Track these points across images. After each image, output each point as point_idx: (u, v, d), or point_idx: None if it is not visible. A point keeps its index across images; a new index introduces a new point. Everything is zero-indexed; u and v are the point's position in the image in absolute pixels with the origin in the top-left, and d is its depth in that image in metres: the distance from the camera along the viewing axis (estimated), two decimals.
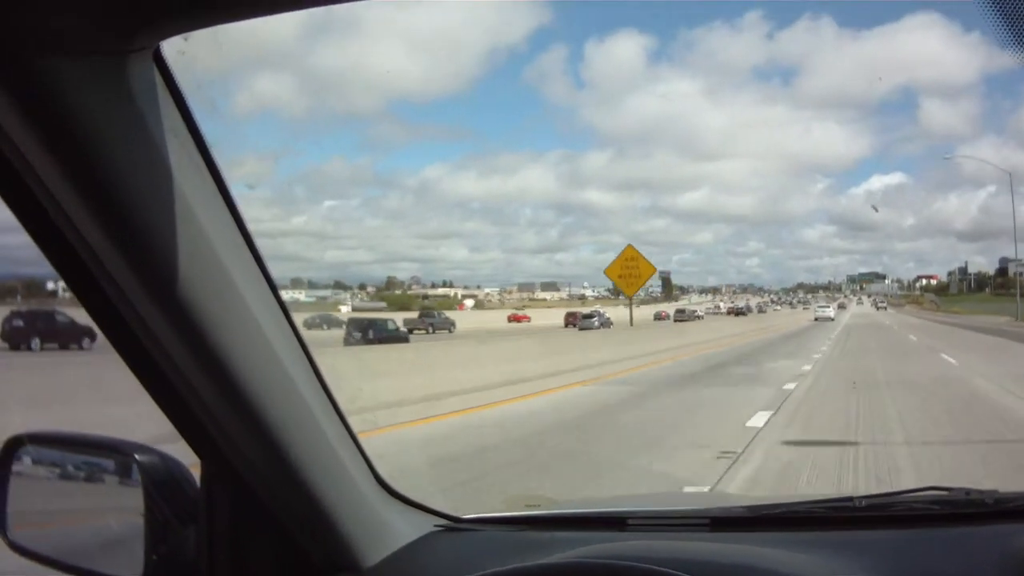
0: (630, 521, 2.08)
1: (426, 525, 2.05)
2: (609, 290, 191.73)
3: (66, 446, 1.97)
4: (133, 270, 1.34)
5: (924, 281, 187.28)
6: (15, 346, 34.11)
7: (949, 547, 1.84)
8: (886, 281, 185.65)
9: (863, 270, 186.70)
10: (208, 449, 1.67)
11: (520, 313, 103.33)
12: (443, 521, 2.10)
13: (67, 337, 34.98)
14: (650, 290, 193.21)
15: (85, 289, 1.44)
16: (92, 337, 35.15)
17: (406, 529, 1.98)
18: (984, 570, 1.71)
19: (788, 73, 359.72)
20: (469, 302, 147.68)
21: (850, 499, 2.03)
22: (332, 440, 1.74)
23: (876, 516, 2.00)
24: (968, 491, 2.03)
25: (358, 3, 1.28)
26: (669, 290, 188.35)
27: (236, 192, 1.46)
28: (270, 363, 1.55)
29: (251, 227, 1.50)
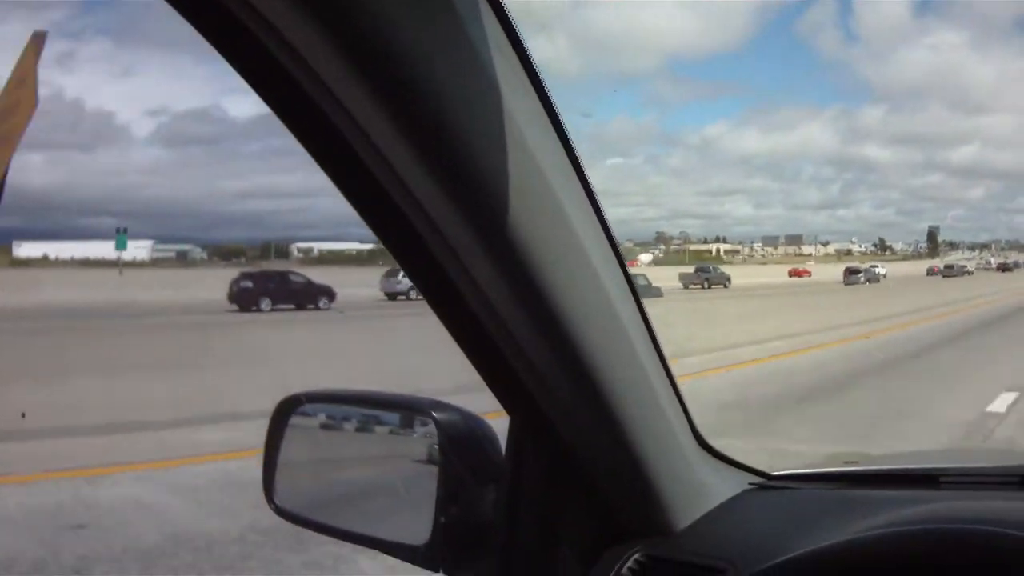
0: (942, 479, 2.01)
1: (740, 483, 2.02)
2: (875, 244, 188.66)
3: (349, 404, 1.93)
4: (450, 203, 1.27)
5: None
6: (245, 307, 35.22)
7: None
8: None
9: None
10: (521, 402, 1.62)
11: (801, 268, 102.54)
12: (756, 479, 2.06)
13: (302, 297, 36.52)
14: (919, 245, 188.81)
15: (402, 245, 1.40)
16: (331, 296, 37.27)
17: (720, 488, 1.94)
18: None
19: None
20: (645, 256, 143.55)
21: None
22: (658, 393, 1.68)
23: None
24: None
25: None
26: (935, 245, 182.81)
27: (570, 120, 1.36)
28: (603, 310, 1.50)
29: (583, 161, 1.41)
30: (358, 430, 1.88)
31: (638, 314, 1.60)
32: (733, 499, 1.94)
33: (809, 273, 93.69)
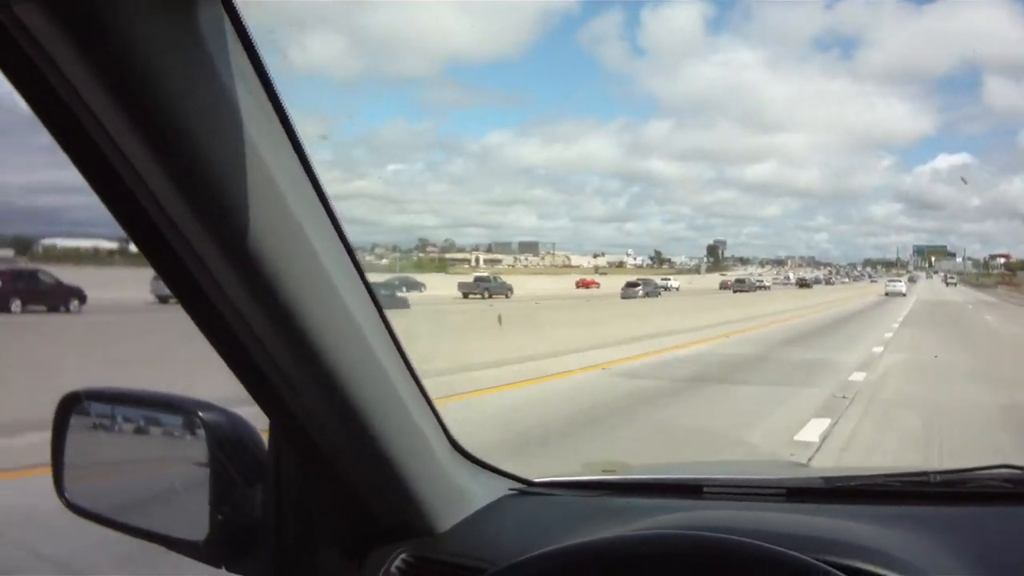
0: (706, 489, 2.15)
1: (500, 488, 2.14)
2: (651, 258, 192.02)
3: (126, 403, 2.02)
4: (200, 221, 1.37)
5: (1000, 259, 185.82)
6: None
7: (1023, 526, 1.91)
8: (957, 259, 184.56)
9: (922, 254, 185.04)
10: (277, 408, 1.73)
11: (589, 279, 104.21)
12: (517, 484, 2.19)
13: (53, 299, 35.27)
14: (695, 261, 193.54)
15: (149, 243, 1.47)
16: (82, 299, 35.69)
17: (479, 492, 2.07)
18: None
19: (849, 45, 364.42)
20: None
21: (925, 474, 2.09)
22: (406, 400, 1.81)
23: (951, 492, 2.06)
24: None
25: None
26: (716, 260, 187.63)
27: (308, 143, 1.49)
28: (343, 320, 1.61)
29: (323, 178, 1.53)
30: (135, 427, 1.98)
31: (381, 323, 1.73)
32: (494, 503, 2.08)
33: (598, 284, 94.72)
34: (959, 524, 1.89)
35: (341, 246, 1.61)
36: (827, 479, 2.19)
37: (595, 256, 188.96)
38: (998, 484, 2.06)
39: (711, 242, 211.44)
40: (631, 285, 70.40)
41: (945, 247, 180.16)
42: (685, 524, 1.85)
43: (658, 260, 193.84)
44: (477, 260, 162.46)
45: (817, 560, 1.49)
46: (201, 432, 1.81)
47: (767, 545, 1.53)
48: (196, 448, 1.81)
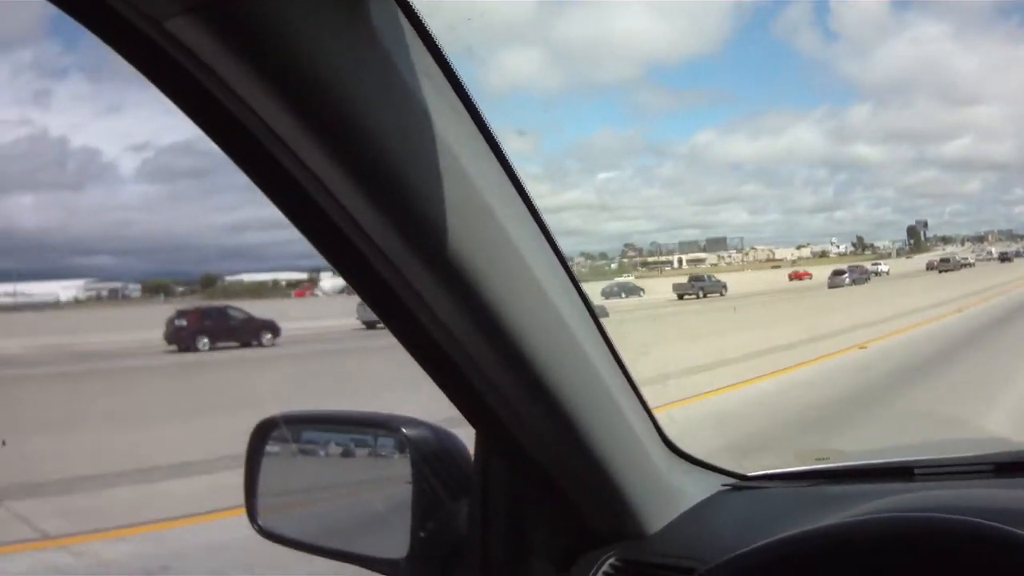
0: (916, 471, 2.12)
1: (713, 485, 2.12)
2: (854, 244, 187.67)
3: (325, 424, 2.06)
4: (397, 231, 1.34)
5: None
6: (183, 348, 34.37)
7: None
8: None
9: None
10: (485, 419, 1.72)
11: (801, 271, 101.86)
12: (730, 480, 2.17)
13: (244, 334, 35.82)
14: (897, 244, 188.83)
15: (347, 264, 1.45)
16: (275, 332, 36.32)
17: (692, 490, 2.04)
18: None
19: None
20: None
21: None
22: (620, 402, 1.78)
23: None
24: None
25: None
26: (918, 241, 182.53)
27: (505, 140, 1.44)
28: (554, 325, 1.58)
29: (531, 191, 1.50)
30: (335, 449, 2.00)
31: (593, 326, 1.70)
32: (707, 500, 2.05)
33: (810, 276, 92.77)
34: None
35: (550, 251, 1.59)
36: None
37: (798, 248, 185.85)
38: None
39: (911, 223, 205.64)
40: (837, 273, 69.11)
41: None
42: (897, 507, 1.81)
43: (861, 246, 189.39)
44: (680, 261, 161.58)
45: None
46: (405, 449, 1.81)
47: (977, 520, 1.48)
48: (399, 465, 1.82)
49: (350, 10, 1.18)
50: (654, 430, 1.95)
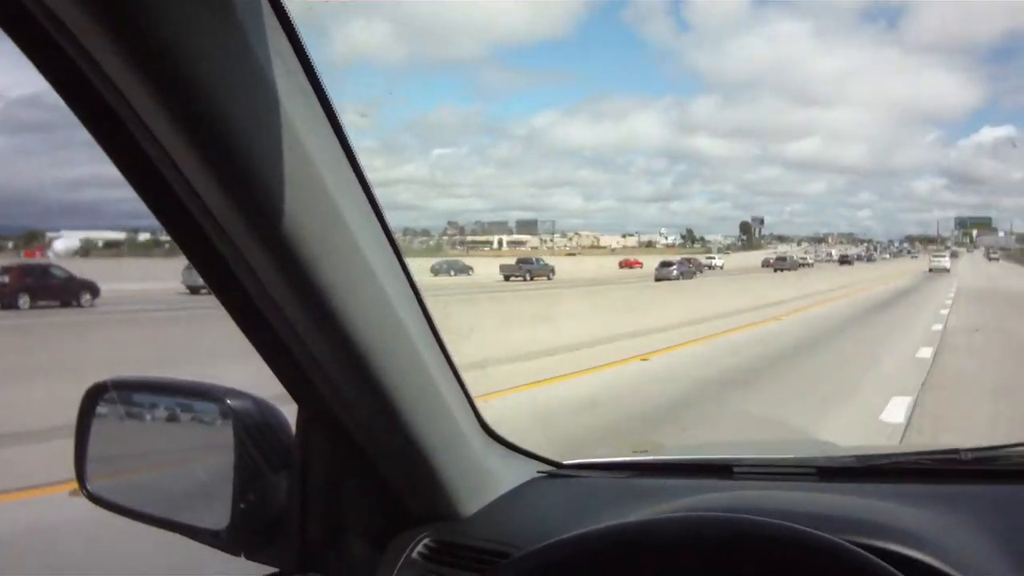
0: (736, 469, 2.18)
1: (529, 471, 2.19)
2: (683, 236, 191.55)
3: (154, 391, 2.06)
4: (233, 202, 1.40)
5: None
6: (4, 305, 33.57)
7: None
8: (1000, 233, 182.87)
9: (964, 226, 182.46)
10: (306, 393, 1.78)
11: (632, 259, 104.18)
12: (546, 467, 2.23)
13: (65, 294, 35.13)
14: (729, 240, 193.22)
15: (182, 229, 1.52)
16: (95, 292, 35.58)
17: (508, 475, 2.10)
18: None
19: (895, 14, 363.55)
20: None
21: (956, 451, 2.10)
22: (438, 383, 1.85)
23: (984, 470, 2.08)
24: None
25: None
26: (750, 237, 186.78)
27: (347, 121, 1.52)
28: (377, 302, 1.64)
29: (367, 165, 1.56)
30: (162, 416, 2.02)
31: (418, 307, 1.77)
32: (522, 486, 2.13)
33: (641, 264, 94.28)
34: (992, 502, 1.91)
35: (380, 231, 1.65)
36: (858, 457, 2.23)
37: (623, 236, 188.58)
38: None
39: (745, 219, 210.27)
40: (665, 265, 68.90)
41: (990, 219, 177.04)
42: (715, 505, 1.86)
43: (690, 239, 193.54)
44: (500, 243, 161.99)
45: (848, 541, 1.50)
46: (228, 420, 1.84)
47: (796, 526, 1.53)
48: (223, 436, 1.84)
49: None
50: (472, 414, 2.01)
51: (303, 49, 1.41)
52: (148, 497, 2.00)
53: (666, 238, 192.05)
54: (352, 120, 1.61)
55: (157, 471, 2.17)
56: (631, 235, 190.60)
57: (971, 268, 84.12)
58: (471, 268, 77.46)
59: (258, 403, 1.86)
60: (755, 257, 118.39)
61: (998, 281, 50.76)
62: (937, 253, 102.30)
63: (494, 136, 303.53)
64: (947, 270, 76.60)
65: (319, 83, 1.45)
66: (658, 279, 60.48)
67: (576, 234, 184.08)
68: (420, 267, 72.29)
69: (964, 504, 1.87)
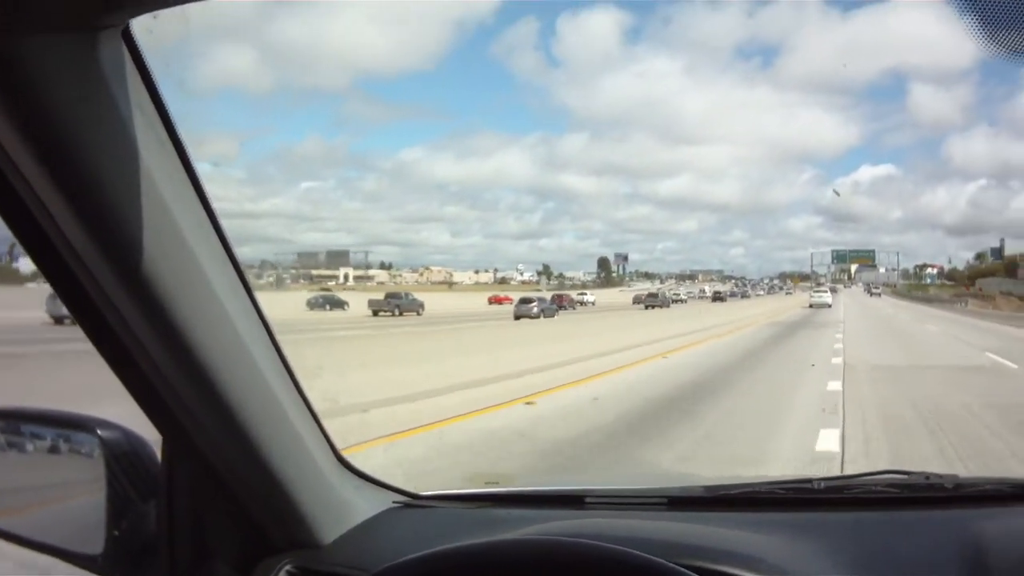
0: (588, 499, 2.36)
1: (384, 501, 2.38)
2: (539, 272, 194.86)
3: (24, 420, 2.20)
4: (96, 245, 1.57)
5: (932, 269, 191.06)
6: None
7: (907, 530, 2.13)
8: (881, 270, 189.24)
9: (844, 261, 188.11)
10: (170, 425, 1.93)
11: (503, 295, 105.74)
12: (401, 497, 2.42)
13: None
14: (590, 276, 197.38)
15: (49, 264, 1.66)
16: None
17: (364, 505, 2.29)
18: (941, 554, 1.99)
19: (771, 53, 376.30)
20: None
21: (809, 481, 2.36)
22: (291, 417, 2.02)
23: (835, 498, 2.32)
24: (927, 475, 2.41)
25: None
26: (608, 273, 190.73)
27: (202, 169, 1.72)
28: (231, 340, 1.82)
29: (217, 205, 1.76)
30: (36, 446, 2.17)
31: (268, 340, 1.94)
32: (378, 516, 2.30)
33: (511, 299, 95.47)
34: (844, 529, 2.13)
35: (233, 271, 1.83)
36: (708, 487, 2.41)
37: (476, 272, 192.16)
38: (881, 489, 2.34)
39: (603, 256, 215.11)
40: (525, 301, 67.33)
41: (873, 251, 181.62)
42: (562, 532, 2.01)
43: (547, 275, 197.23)
44: (346, 277, 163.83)
45: (687, 565, 1.65)
46: (100, 449, 1.98)
47: (619, 548, 1.68)
48: (93, 465, 1.98)
49: (78, 41, 1.42)
50: (326, 445, 2.18)
51: (161, 102, 1.60)
52: (24, 523, 2.13)
53: (522, 274, 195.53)
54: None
55: (32, 498, 2.26)
56: (482, 271, 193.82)
57: (854, 304, 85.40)
58: (347, 303, 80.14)
59: (127, 433, 2.02)
60: (625, 294, 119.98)
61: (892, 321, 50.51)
62: (818, 289, 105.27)
63: (360, 169, 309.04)
64: (829, 305, 77.82)
65: (176, 134, 1.64)
66: (517, 316, 59.03)
67: (427, 268, 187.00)
68: (297, 300, 75.90)
69: (814, 530, 2.10)
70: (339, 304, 78.89)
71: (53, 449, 2.13)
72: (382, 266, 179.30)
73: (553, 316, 60.57)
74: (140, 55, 1.52)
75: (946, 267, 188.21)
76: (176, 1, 1.43)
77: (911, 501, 2.29)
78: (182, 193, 1.66)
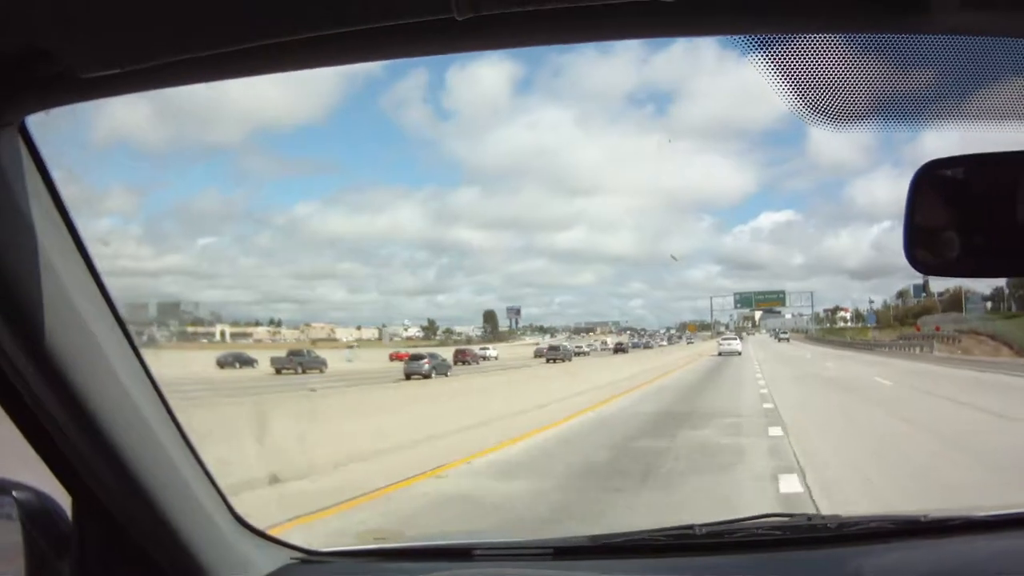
0: (476, 552, 2.51)
1: (282, 558, 2.54)
2: (423, 328, 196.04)
3: None
4: (1, 322, 1.78)
5: (842, 312, 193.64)
6: None
7: (789, 571, 2.34)
8: (788, 315, 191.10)
9: (749, 305, 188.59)
10: (77, 486, 2.10)
11: (403, 351, 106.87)
12: (299, 554, 2.58)
13: None
14: (477, 330, 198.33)
15: None
16: None
17: (263, 562, 2.45)
18: None
19: (664, 99, 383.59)
20: None
21: (691, 527, 2.51)
22: (187, 477, 2.20)
23: (717, 543, 2.48)
24: (810, 516, 2.69)
25: None
26: (494, 326, 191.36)
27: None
28: (125, 405, 2.01)
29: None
30: None
31: (162, 406, 2.13)
32: (276, 572, 2.48)
33: (409, 356, 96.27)
34: (724, 572, 2.36)
35: (123, 336, 2.04)
36: (591, 537, 2.58)
37: (358, 328, 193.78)
38: (765, 532, 2.50)
39: (488, 310, 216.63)
40: (415, 359, 65.54)
41: (783, 292, 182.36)
42: None
43: (432, 331, 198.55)
44: (223, 334, 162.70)
45: None
46: (15, 510, 2.08)
47: None
48: (11, 525, 2.08)
49: None
50: (223, 505, 2.35)
51: (55, 189, 1.83)
52: None
53: (407, 329, 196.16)
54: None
55: None
56: (361, 327, 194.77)
57: (768, 354, 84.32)
58: (256, 360, 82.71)
59: (39, 494, 2.12)
60: (520, 348, 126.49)
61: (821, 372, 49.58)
62: (726, 336, 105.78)
63: (255, 225, 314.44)
64: (738, 353, 78.39)
65: (68, 216, 1.86)
66: (408, 374, 58.13)
67: (307, 325, 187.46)
68: (207, 359, 77.38)
69: (696, 574, 2.32)
70: (248, 361, 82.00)
71: None
72: (271, 323, 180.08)
73: (446, 374, 58.39)
74: (35, 147, 1.76)
75: (851, 311, 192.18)
76: (67, 100, 1.69)
77: (793, 542, 2.45)
78: (76, 271, 1.89)
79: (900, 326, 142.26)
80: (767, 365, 47.97)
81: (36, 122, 1.74)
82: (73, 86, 1.62)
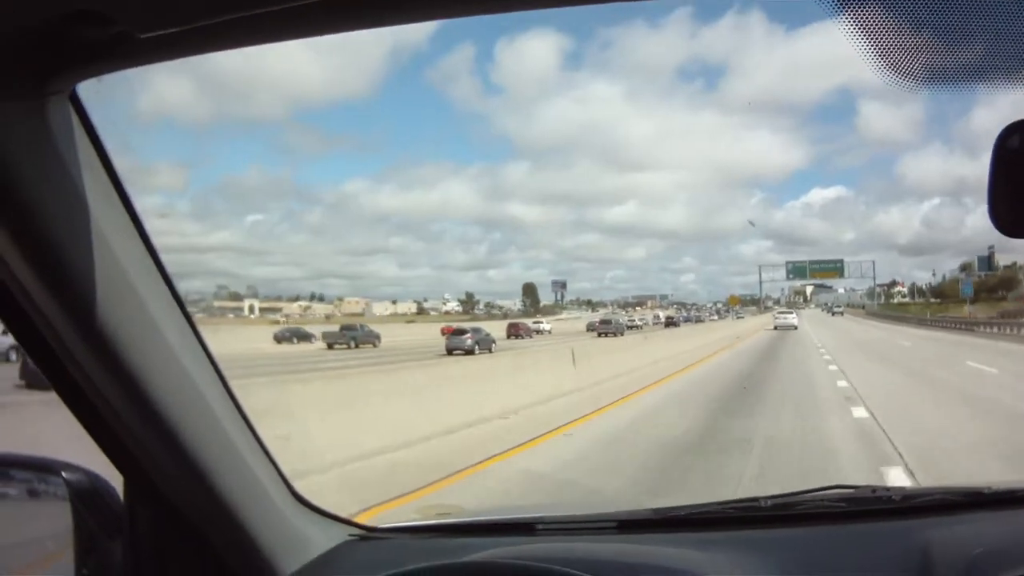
0: (539, 526, 2.56)
1: (341, 535, 2.58)
2: (461, 302, 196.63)
3: None
4: (54, 298, 1.78)
5: (898, 287, 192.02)
6: None
7: (854, 543, 2.32)
8: (840, 290, 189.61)
9: (803, 276, 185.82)
10: (129, 467, 2.12)
11: (454, 325, 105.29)
12: (357, 531, 2.63)
13: None
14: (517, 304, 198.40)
15: (14, 321, 1.87)
16: None
17: (321, 539, 2.49)
18: (888, 565, 2.18)
19: (715, 74, 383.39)
20: None
21: (756, 500, 2.57)
22: (245, 455, 2.22)
23: (783, 515, 2.52)
24: (874, 488, 2.67)
25: None
26: (535, 301, 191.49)
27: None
28: (182, 384, 2.02)
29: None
30: (5, 488, 2.31)
31: (219, 383, 2.15)
32: (335, 549, 2.52)
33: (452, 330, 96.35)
34: (791, 544, 2.34)
35: (180, 312, 2.05)
36: (656, 510, 2.63)
37: (393, 303, 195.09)
38: (830, 504, 2.53)
39: (528, 283, 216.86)
40: (458, 333, 63.61)
41: (841, 261, 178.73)
42: (510, 557, 2.19)
43: (471, 304, 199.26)
44: (252, 309, 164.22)
45: None
46: (65, 490, 2.14)
47: (555, 568, 1.89)
48: (59, 507, 2.14)
49: (27, 108, 1.62)
50: (281, 483, 2.38)
51: (108, 158, 1.81)
52: None
53: (445, 304, 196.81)
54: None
55: (1, 537, 2.37)
56: (395, 302, 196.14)
57: (825, 329, 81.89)
58: (313, 335, 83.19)
59: (90, 475, 2.19)
60: (568, 322, 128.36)
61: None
62: (781, 310, 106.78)
63: (305, 202, 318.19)
64: (795, 327, 77.20)
65: (122, 187, 1.85)
66: (450, 349, 58.57)
67: (340, 300, 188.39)
68: (266, 334, 79.58)
69: (761, 548, 2.29)
70: (305, 336, 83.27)
71: (20, 491, 2.27)
72: (312, 298, 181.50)
73: (489, 349, 57.16)
74: (87, 116, 1.73)
75: (907, 286, 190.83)
76: (117, 67, 1.66)
77: (858, 515, 2.48)
78: (130, 244, 1.88)
79: (981, 302, 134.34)
80: (843, 358, 37.87)
81: (86, 89, 1.71)
82: (126, 50, 1.58)
